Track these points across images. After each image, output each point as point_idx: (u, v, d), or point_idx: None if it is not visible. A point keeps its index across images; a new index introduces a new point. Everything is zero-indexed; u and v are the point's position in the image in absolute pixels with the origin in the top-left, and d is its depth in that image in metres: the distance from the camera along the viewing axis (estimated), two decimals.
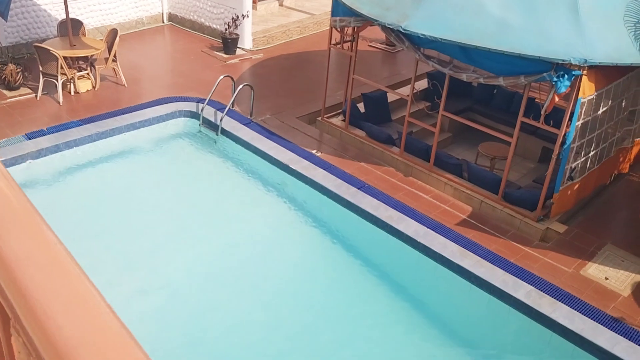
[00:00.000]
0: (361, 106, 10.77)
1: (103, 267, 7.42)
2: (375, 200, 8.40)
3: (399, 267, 7.91)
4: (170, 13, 15.44)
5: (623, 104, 8.43)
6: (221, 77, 10.56)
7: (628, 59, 7.32)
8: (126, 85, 11.41)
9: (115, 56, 11.22)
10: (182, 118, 10.66)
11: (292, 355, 6.70)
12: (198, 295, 7.31)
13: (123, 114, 10.18)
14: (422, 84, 11.82)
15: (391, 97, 10.89)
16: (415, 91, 9.96)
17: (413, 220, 7.97)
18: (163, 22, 15.42)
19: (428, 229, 7.80)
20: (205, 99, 10.48)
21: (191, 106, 10.72)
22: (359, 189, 8.64)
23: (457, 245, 7.49)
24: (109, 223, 8.31)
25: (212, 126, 10.36)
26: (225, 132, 10.19)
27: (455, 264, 7.29)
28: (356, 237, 8.38)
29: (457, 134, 10.93)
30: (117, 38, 11.04)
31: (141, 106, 10.49)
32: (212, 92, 10.40)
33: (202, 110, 10.46)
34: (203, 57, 13.35)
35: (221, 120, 10.17)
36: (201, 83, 11.66)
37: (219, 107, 10.54)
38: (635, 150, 9.41)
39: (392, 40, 8.71)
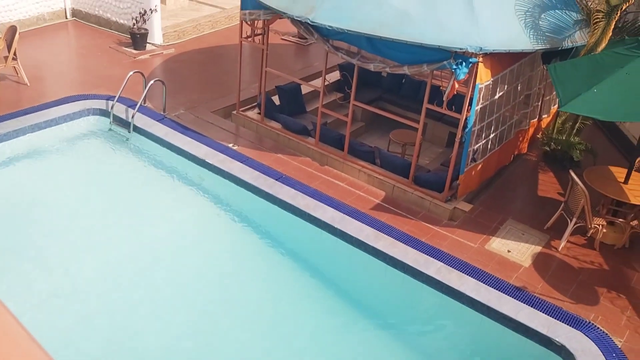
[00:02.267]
0: (276, 99, 10.88)
1: (12, 273, 7.11)
2: (292, 190, 8.56)
3: (318, 253, 8.12)
4: (73, 8, 14.82)
5: (519, 88, 9.04)
6: (131, 73, 10.31)
7: (520, 45, 7.86)
8: (28, 84, 10.90)
9: (15, 54, 10.68)
10: (91, 116, 10.34)
11: (217, 346, 6.73)
12: (114, 297, 7.15)
13: (26, 114, 9.74)
14: (335, 76, 12.08)
15: (305, 89, 11.07)
16: (327, 82, 10.20)
17: (329, 207, 8.19)
18: (66, 18, 14.79)
19: (344, 215, 8.04)
20: (115, 96, 10.21)
21: (100, 104, 10.40)
22: (276, 180, 8.76)
23: (372, 229, 7.79)
24: (18, 228, 7.95)
25: (124, 124, 10.12)
26: (137, 129, 9.98)
27: (371, 247, 7.59)
28: (276, 227, 8.50)
29: (369, 122, 11.28)
30: (17, 35, 10.52)
31: (46, 105, 10.07)
32: (122, 88, 10.15)
33: (112, 107, 10.18)
34: (111, 53, 12.95)
35: (133, 117, 9.96)
36: (110, 80, 11.33)
37: (130, 104, 10.30)
38: (531, 132, 10.11)
39: (302, 33, 8.87)
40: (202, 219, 8.75)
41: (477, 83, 7.68)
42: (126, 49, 13.16)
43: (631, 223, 7.82)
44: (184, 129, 9.89)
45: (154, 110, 10.44)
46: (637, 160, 8.20)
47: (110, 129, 10.23)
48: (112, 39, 13.73)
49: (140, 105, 10.14)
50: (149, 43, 13.35)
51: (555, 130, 9.93)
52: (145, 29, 13.14)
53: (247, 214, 8.70)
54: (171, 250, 8.01)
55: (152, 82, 10.23)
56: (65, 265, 7.50)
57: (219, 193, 9.04)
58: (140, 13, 13.09)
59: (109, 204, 8.70)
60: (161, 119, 10.14)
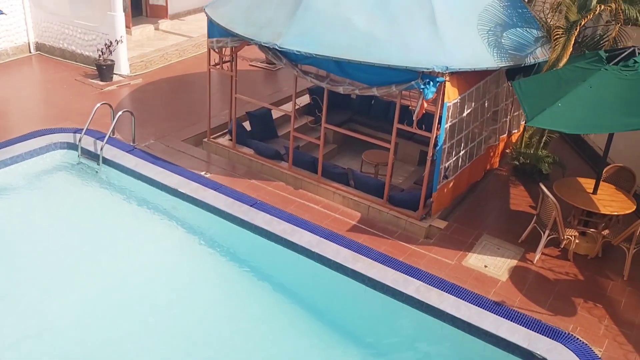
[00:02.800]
0: (247, 125, 10.86)
1: None
2: (268, 215, 8.51)
3: (297, 277, 8.05)
4: (37, 42, 14.66)
5: (486, 105, 9.20)
6: (98, 104, 10.19)
7: (484, 64, 8.04)
8: None
9: None
10: (59, 150, 10.16)
11: None
12: (86, 336, 6.94)
13: None
14: (305, 99, 12.14)
15: (276, 113, 11.09)
16: (298, 106, 10.23)
17: (306, 231, 8.16)
18: (30, 52, 14.61)
19: (321, 238, 8.02)
20: (83, 129, 10.06)
21: (67, 137, 10.24)
22: (251, 206, 8.70)
23: (349, 251, 7.77)
24: None
25: (93, 156, 9.97)
26: (107, 161, 9.84)
27: (349, 269, 7.57)
28: (253, 254, 8.42)
29: (341, 144, 11.34)
30: None
31: (11, 141, 9.86)
32: (89, 121, 10.02)
33: (79, 140, 10.03)
34: (77, 86, 12.80)
35: (102, 149, 9.81)
36: (77, 113, 11.18)
37: (99, 136, 10.16)
38: (501, 147, 10.27)
39: (270, 58, 8.90)
40: (177, 250, 8.60)
41: (445, 101, 7.80)
42: (92, 81, 13.03)
43: (602, 232, 7.96)
44: (155, 159, 9.78)
45: (123, 141, 10.31)
46: (604, 171, 8.39)
47: (79, 162, 10.06)
48: (77, 72, 13.58)
49: (109, 136, 10.00)
50: (115, 74, 13.25)
51: (523, 145, 10.12)
52: (112, 60, 13.06)
53: (223, 242, 8.60)
54: (146, 283, 7.84)
55: (120, 113, 10.12)
56: (36, 305, 7.27)
57: (193, 222, 8.92)
58: (105, 44, 13.02)
59: (80, 239, 8.50)
60: (131, 150, 10.02)
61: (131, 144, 10.24)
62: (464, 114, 8.48)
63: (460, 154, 8.77)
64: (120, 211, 9.21)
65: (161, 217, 9.06)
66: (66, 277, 7.75)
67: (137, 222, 9.01)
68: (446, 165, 8.44)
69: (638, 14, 8.12)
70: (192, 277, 8.12)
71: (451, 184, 8.71)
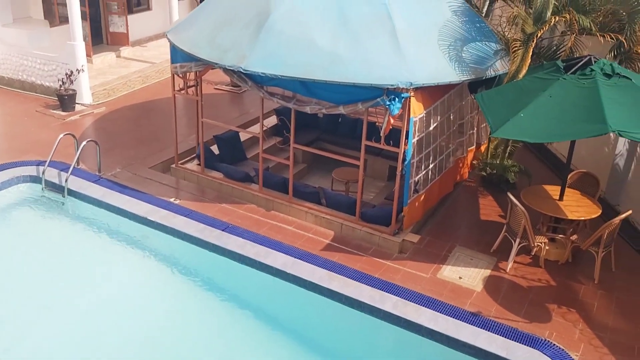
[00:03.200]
0: (215, 148, 10.79)
1: None
2: (240, 239, 8.42)
3: (273, 300, 7.96)
4: None
5: (451, 118, 9.34)
6: (61, 135, 10.00)
7: (447, 78, 8.18)
8: None
9: None
10: (22, 184, 9.94)
11: None
12: None
13: None
14: (272, 120, 12.15)
15: (243, 136, 11.05)
16: (265, 128, 10.22)
17: (280, 253, 8.10)
18: None
19: (295, 259, 7.97)
20: (46, 161, 9.84)
21: (30, 170, 10.00)
22: (223, 230, 8.60)
23: (325, 270, 7.74)
24: None
25: (58, 188, 9.75)
26: (72, 193, 9.63)
27: (325, 288, 7.52)
28: (227, 279, 8.30)
29: (311, 163, 11.35)
30: None
31: None
32: (52, 152, 9.81)
33: (43, 172, 9.80)
34: (39, 117, 12.54)
35: (66, 180, 9.60)
36: (39, 145, 10.95)
37: (63, 167, 9.95)
38: (470, 158, 10.42)
39: (236, 81, 8.89)
40: (148, 279, 8.42)
41: (411, 117, 7.89)
42: (54, 111, 12.79)
43: (571, 238, 8.11)
44: (122, 188, 9.61)
45: (88, 171, 10.11)
46: (568, 177, 8.57)
47: (43, 195, 9.81)
48: (38, 103, 13.33)
49: (74, 167, 9.80)
50: (78, 103, 13.04)
51: (489, 155, 10.29)
52: (73, 90, 12.86)
53: (196, 268, 8.46)
54: (119, 316, 7.63)
55: (84, 142, 9.95)
56: (4, 344, 7.01)
57: (164, 250, 8.76)
58: (66, 74, 12.82)
59: (48, 274, 8.24)
60: (97, 180, 9.83)
61: (97, 173, 10.05)
62: (431, 128, 8.58)
63: (430, 167, 8.86)
64: (89, 243, 8.99)
65: (131, 247, 8.87)
66: (33, 314, 7.49)
67: (107, 253, 8.80)
68: (416, 179, 8.51)
69: (592, 24, 8.40)
70: (165, 306, 7.94)
71: (422, 197, 8.78)
